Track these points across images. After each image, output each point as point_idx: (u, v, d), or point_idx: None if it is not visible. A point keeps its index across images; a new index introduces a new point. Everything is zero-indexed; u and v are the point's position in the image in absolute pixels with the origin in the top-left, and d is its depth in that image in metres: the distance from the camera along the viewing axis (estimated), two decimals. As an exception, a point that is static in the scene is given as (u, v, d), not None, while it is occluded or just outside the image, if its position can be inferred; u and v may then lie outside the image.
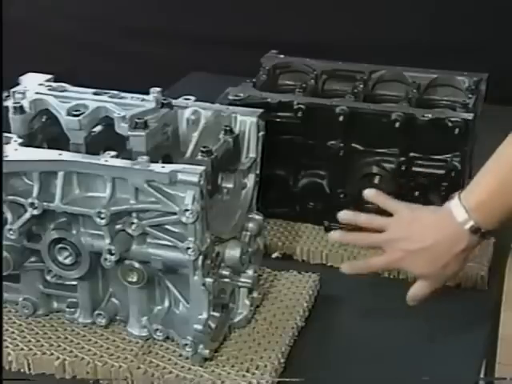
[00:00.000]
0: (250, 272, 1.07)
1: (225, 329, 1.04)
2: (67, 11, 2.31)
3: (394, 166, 1.22)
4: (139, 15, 2.27)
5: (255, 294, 1.09)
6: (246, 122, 1.09)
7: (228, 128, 1.07)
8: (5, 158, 0.98)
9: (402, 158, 1.21)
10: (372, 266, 1.02)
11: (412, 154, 1.21)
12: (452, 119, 1.16)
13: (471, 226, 0.91)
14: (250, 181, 1.10)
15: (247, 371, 0.98)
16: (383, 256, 0.96)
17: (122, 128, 1.01)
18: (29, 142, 1.04)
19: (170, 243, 0.97)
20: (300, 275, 1.17)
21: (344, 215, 0.98)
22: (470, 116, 1.18)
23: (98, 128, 1.06)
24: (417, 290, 0.97)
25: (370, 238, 0.98)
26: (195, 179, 0.93)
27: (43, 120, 1.08)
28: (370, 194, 0.98)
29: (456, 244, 0.91)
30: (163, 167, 0.95)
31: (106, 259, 0.98)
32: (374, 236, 0.96)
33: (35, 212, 0.98)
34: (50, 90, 1.08)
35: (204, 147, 1.01)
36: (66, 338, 1.03)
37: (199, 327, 0.98)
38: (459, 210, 0.91)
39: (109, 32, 2.28)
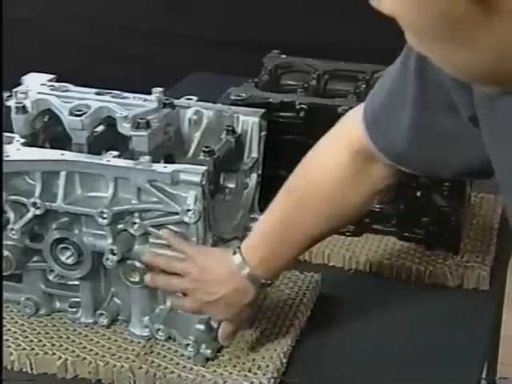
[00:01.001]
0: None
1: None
2: (69, 11, 2.31)
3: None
4: (141, 15, 2.27)
5: (257, 294, 1.09)
6: (248, 121, 1.09)
7: (230, 128, 1.07)
8: (7, 158, 0.98)
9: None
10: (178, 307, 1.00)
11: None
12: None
13: (257, 282, 0.92)
14: (252, 181, 1.10)
15: (249, 371, 0.98)
16: (186, 302, 0.97)
17: (124, 128, 1.01)
18: (31, 141, 1.04)
19: (172, 243, 0.97)
20: (302, 275, 1.17)
21: (150, 258, 0.97)
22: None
23: (100, 128, 1.06)
24: (223, 331, 0.98)
25: (172, 284, 0.98)
26: (197, 179, 0.93)
27: (45, 120, 1.08)
28: (165, 236, 0.96)
29: (244, 296, 0.93)
30: (165, 167, 0.95)
31: (108, 259, 0.98)
32: (175, 283, 0.96)
33: (37, 212, 0.98)
34: (52, 89, 1.08)
35: (206, 147, 1.01)
36: (68, 337, 1.03)
37: (201, 327, 0.98)
38: (244, 266, 0.93)
39: (111, 32, 2.28)
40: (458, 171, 0.85)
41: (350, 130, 0.88)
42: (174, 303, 0.99)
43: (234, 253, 0.94)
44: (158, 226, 0.97)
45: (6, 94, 1.08)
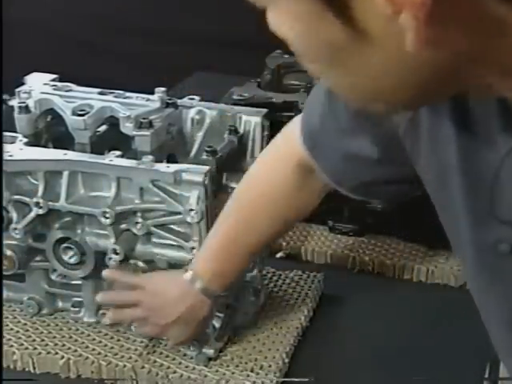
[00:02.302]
0: (254, 272, 1.07)
1: (229, 329, 1.04)
2: (72, 11, 2.31)
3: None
4: (144, 15, 2.27)
5: (260, 294, 1.09)
6: (251, 121, 1.09)
7: (233, 128, 1.07)
8: (10, 158, 0.98)
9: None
10: (142, 334, 1.02)
11: (417, 154, 1.21)
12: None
13: (211, 295, 0.93)
14: (255, 181, 1.10)
15: (251, 371, 0.98)
16: (146, 329, 0.98)
17: (126, 128, 1.01)
18: (34, 141, 1.04)
19: (174, 243, 0.97)
20: (304, 275, 1.17)
21: (101, 298, 1.00)
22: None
23: (103, 128, 1.06)
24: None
25: (126, 317, 1.00)
26: (200, 179, 0.93)
27: (48, 119, 1.08)
28: (106, 274, 0.99)
29: (200, 311, 0.94)
30: (168, 167, 0.95)
31: (110, 259, 0.98)
32: (130, 314, 0.98)
33: (40, 211, 0.98)
34: (55, 89, 1.08)
35: (209, 147, 1.01)
36: (71, 337, 1.03)
37: (204, 327, 0.98)
38: (196, 281, 0.93)
39: (113, 32, 2.28)
40: (393, 198, 0.85)
41: (290, 144, 0.88)
42: (137, 331, 1.01)
43: (185, 270, 0.94)
44: (161, 226, 0.97)
45: (8, 94, 1.08)
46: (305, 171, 0.88)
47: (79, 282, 1.04)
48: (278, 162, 0.90)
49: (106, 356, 1.00)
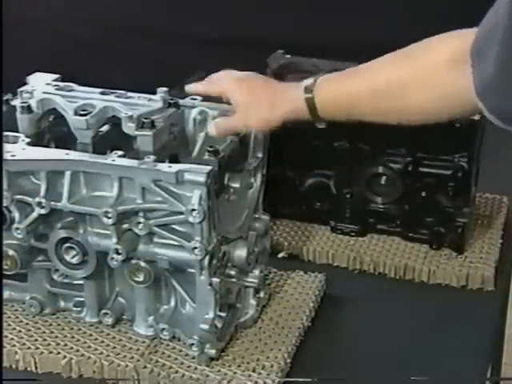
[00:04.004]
0: (256, 272, 1.07)
1: (231, 329, 1.04)
2: (74, 11, 2.31)
3: (400, 167, 1.22)
4: (146, 16, 2.27)
5: (261, 294, 1.09)
6: (253, 121, 1.08)
7: (235, 128, 1.07)
8: (12, 158, 0.98)
9: (409, 159, 1.21)
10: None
11: (419, 155, 1.21)
12: (459, 119, 1.16)
13: (310, 108, 0.99)
14: (257, 181, 1.10)
15: (253, 371, 0.98)
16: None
17: (129, 128, 1.02)
18: (36, 141, 1.04)
19: (176, 243, 0.97)
20: (306, 275, 1.17)
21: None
22: (477, 116, 1.18)
23: (105, 127, 1.06)
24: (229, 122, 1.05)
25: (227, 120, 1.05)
26: (202, 179, 0.93)
27: (50, 119, 1.08)
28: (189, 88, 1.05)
29: (285, 103, 1.01)
30: (170, 167, 0.95)
31: (112, 258, 0.98)
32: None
33: (42, 211, 0.98)
34: (57, 89, 1.08)
35: (211, 147, 1.01)
36: (73, 337, 1.03)
37: (205, 327, 0.98)
38: (308, 97, 0.99)
39: (115, 32, 2.29)
40: None
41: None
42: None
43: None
44: (163, 226, 0.97)
45: (9, 95, 1.09)
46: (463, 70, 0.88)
47: (81, 282, 1.04)
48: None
49: (108, 356, 1.00)
